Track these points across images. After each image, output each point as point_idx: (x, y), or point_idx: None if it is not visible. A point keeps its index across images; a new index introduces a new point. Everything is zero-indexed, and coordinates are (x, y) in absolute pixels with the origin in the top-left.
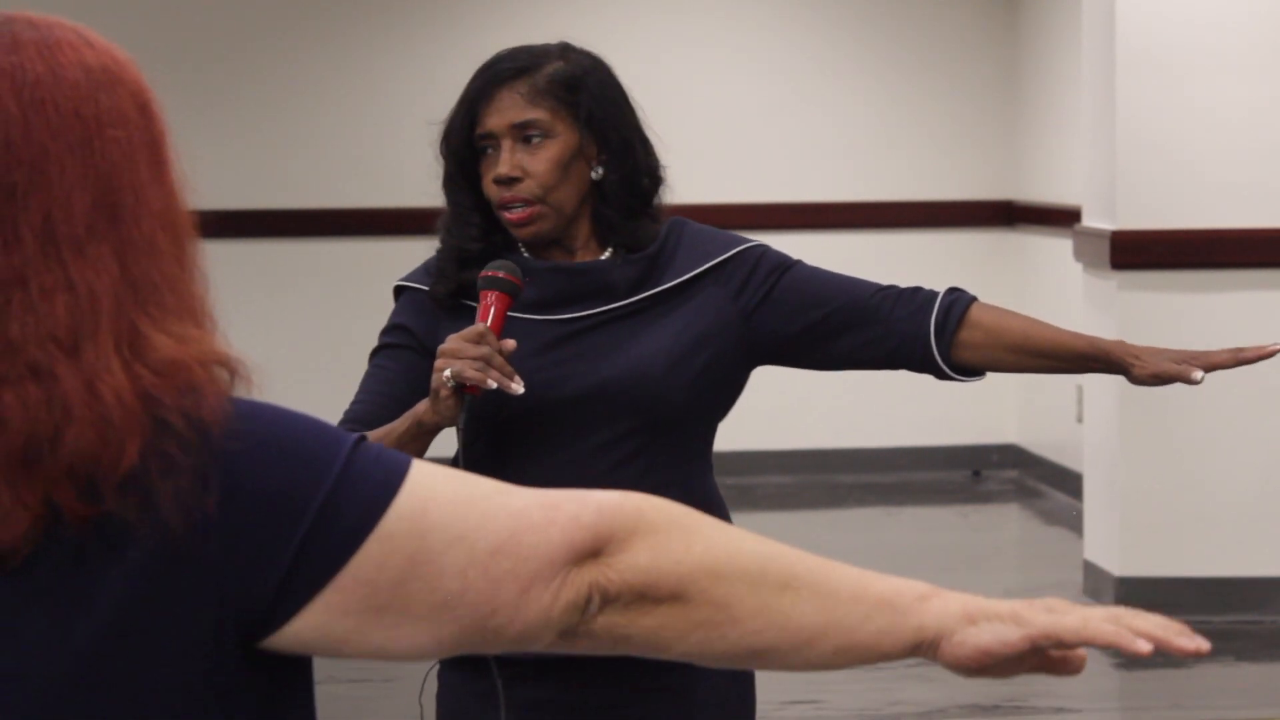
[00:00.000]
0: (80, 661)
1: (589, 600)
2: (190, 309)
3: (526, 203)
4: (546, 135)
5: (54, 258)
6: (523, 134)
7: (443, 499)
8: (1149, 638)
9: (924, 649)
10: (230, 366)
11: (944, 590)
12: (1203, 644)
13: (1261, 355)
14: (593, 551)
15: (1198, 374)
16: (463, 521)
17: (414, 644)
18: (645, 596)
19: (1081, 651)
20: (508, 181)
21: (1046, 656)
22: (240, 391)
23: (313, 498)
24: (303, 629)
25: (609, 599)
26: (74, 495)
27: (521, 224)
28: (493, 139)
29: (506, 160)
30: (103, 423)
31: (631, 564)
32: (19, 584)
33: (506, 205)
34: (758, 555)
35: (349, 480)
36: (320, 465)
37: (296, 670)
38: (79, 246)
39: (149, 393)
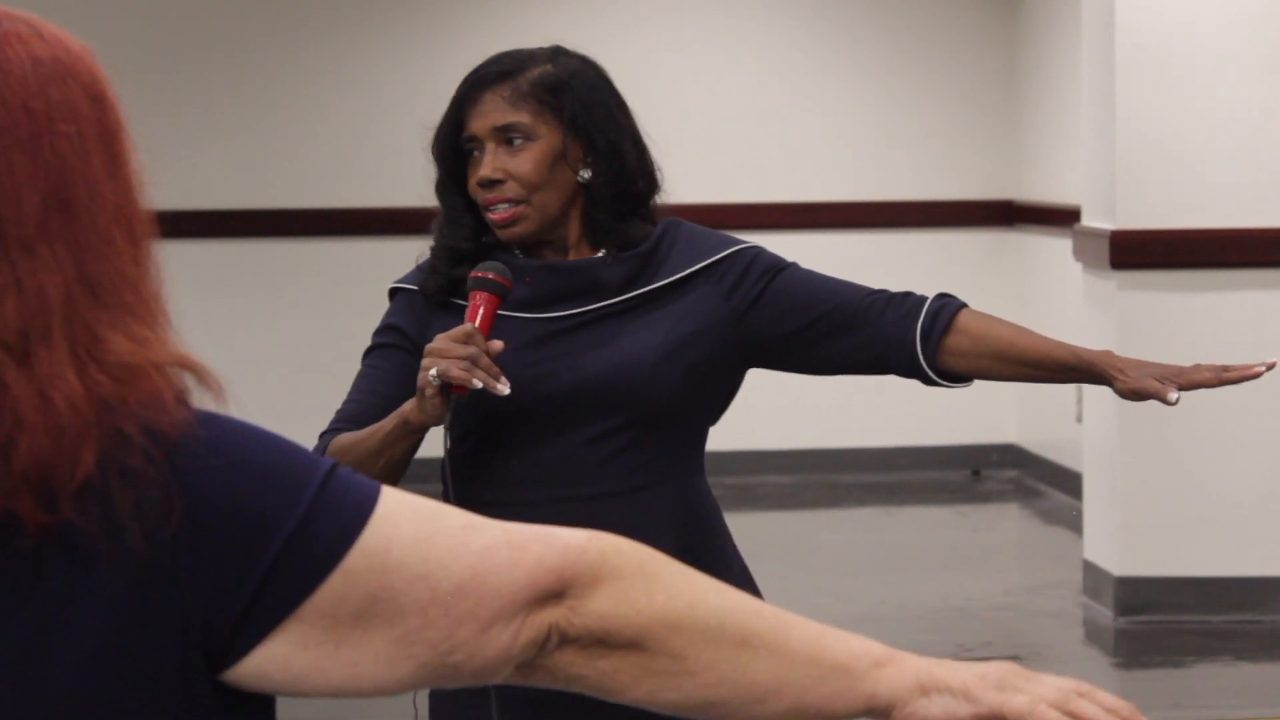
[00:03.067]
0: (46, 682)
1: (548, 639)
2: (147, 308)
3: (511, 202)
4: (528, 138)
5: (2, 258)
6: (505, 136)
7: (408, 535)
8: None
9: (875, 715)
10: (191, 369)
11: (901, 655)
12: None
13: (1246, 376)
14: (555, 593)
15: (1174, 395)
16: (426, 559)
17: (374, 681)
18: (603, 642)
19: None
20: (490, 184)
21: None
22: (206, 396)
23: (283, 523)
24: (264, 660)
25: (567, 640)
26: (32, 503)
27: (504, 225)
28: (477, 142)
29: (489, 163)
30: (56, 430)
31: (593, 610)
32: None
33: (490, 206)
34: (718, 609)
35: (319, 509)
36: (293, 491)
37: (261, 712)
38: (28, 246)
39: (104, 400)
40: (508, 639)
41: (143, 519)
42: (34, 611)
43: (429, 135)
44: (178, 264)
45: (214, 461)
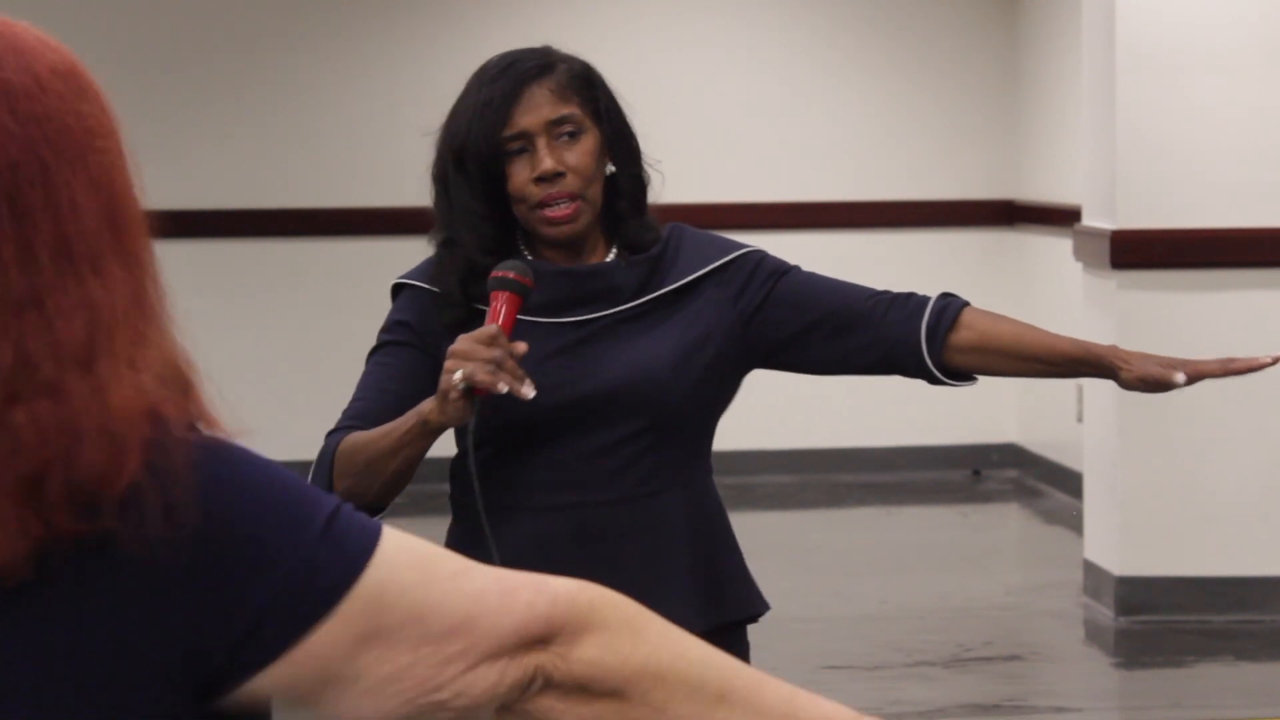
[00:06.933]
0: (65, 689)
1: (533, 680)
2: (166, 315)
3: (571, 198)
4: (579, 130)
5: (70, 276)
6: (558, 130)
7: (405, 579)
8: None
9: None
10: (182, 373)
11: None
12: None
13: (1252, 367)
14: (543, 639)
15: (1179, 376)
16: (421, 602)
17: (357, 716)
18: (586, 689)
19: None
20: (551, 178)
21: None
22: (206, 395)
23: (284, 560)
24: (253, 691)
25: (551, 684)
26: (74, 513)
27: (563, 221)
28: (526, 138)
29: (548, 156)
30: (111, 440)
31: (579, 656)
32: (11, 604)
33: (547, 203)
34: (698, 664)
35: (322, 548)
36: (298, 527)
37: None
38: (95, 264)
39: (152, 407)
40: (494, 678)
41: (167, 525)
42: (59, 612)
43: (428, 141)
44: (178, 264)
45: (228, 488)
